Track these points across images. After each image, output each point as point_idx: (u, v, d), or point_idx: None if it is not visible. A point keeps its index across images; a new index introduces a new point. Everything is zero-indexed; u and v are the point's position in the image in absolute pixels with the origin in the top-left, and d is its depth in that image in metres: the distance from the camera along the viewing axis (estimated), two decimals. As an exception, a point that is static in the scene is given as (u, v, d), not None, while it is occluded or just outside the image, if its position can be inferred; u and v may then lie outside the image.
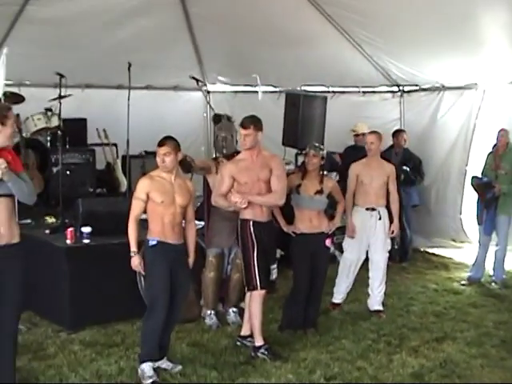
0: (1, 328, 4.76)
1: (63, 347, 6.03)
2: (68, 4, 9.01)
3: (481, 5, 7.77)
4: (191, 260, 5.65)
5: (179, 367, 5.59)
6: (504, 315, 7.25)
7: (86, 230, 6.66)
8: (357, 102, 11.26)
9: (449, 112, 10.37)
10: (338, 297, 7.46)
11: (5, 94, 8.53)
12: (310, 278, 6.53)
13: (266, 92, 11.40)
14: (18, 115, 9.01)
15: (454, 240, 10.53)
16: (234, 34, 10.14)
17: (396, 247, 10.03)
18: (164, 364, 5.58)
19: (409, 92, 10.95)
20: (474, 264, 8.73)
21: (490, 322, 6.98)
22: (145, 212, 5.49)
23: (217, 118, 7.39)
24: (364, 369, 5.66)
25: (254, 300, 5.93)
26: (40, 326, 6.59)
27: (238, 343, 6.19)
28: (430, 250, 10.45)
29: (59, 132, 9.30)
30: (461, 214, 10.34)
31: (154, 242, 5.40)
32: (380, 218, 7.17)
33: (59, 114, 9.38)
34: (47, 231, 7.17)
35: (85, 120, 10.88)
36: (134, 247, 5.41)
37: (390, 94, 11.15)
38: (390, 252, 9.58)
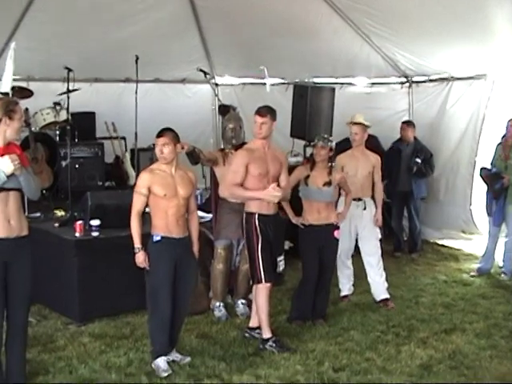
0: (11, 320, 4.81)
1: (73, 339, 6.07)
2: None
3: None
4: (196, 249, 5.64)
5: (188, 359, 5.61)
6: (513, 306, 7.25)
7: (95, 222, 6.68)
8: (365, 93, 11.22)
9: (458, 102, 10.29)
10: (345, 288, 7.48)
11: (13, 88, 8.55)
12: (319, 270, 6.54)
13: (274, 84, 11.43)
14: (26, 109, 9.08)
15: (463, 231, 10.47)
16: (241, 26, 10.14)
17: (405, 239, 10.06)
18: (173, 356, 5.59)
19: (417, 83, 10.87)
20: (483, 255, 8.71)
21: (499, 314, 6.96)
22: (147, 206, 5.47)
23: (224, 109, 7.38)
24: (372, 360, 5.67)
25: (260, 293, 5.93)
26: (50, 319, 6.63)
27: (247, 335, 6.20)
28: (440, 242, 10.41)
29: (68, 126, 9.35)
30: (470, 204, 10.29)
31: (158, 238, 5.38)
32: (365, 208, 7.22)
33: (68, 108, 9.43)
34: (56, 224, 7.18)
35: (93, 114, 10.92)
36: (137, 243, 5.36)
37: (398, 85, 11.07)
38: (398, 243, 9.78)
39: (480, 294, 7.75)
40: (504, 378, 5.37)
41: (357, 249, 7.49)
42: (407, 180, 9.58)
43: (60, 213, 7.93)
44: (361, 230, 7.32)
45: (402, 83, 11.03)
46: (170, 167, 5.45)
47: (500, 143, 8.50)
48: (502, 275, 8.43)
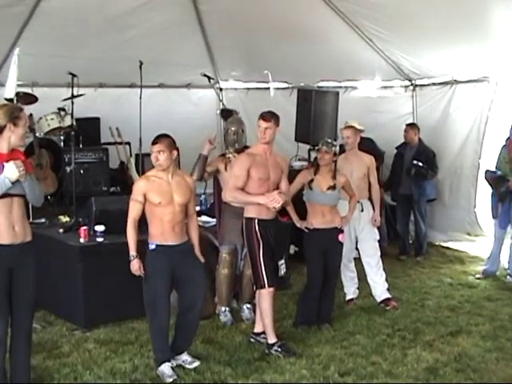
0: (16, 326, 4.81)
1: (78, 345, 6.06)
2: (79, 3, 9.05)
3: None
4: (197, 251, 5.64)
5: (197, 363, 5.60)
6: (519, 308, 7.22)
7: (100, 228, 6.67)
8: (369, 96, 11.22)
9: (461, 105, 10.31)
10: (350, 291, 7.48)
11: (18, 94, 8.58)
12: (324, 274, 6.53)
13: (278, 88, 11.44)
14: (31, 115, 9.08)
15: (468, 233, 10.47)
16: (244, 31, 10.13)
17: (410, 241, 10.05)
18: (183, 358, 5.59)
19: (421, 86, 10.89)
20: (488, 257, 8.70)
21: (505, 316, 6.95)
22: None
23: (227, 113, 7.39)
24: (378, 364, 5.66)
25: (263, 298, 5.93)
26: (55, 325, 6.62)
27: (252, 340, 6.19)
28: (445, 244, 10.42)
29: (72, 131, 9.36)
30: (475, 207, 10.30)
31: (153, 246, 5.38)
32: (362, 210, 7.25)
33: (72, 114, 9.45)
34: (61, 230, 7.19)
35: (98, 119, 10.95)
36: (133, 251, 5.35)
37: (402, 89, 11.10)
38: (404, 246, 9.78)
39: (486, 296, 7.75)
40: (510, 380, 5.35)
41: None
42: (409, 183, 9.59)
43: (64, 218, 7.92)
44: (359, 232, 7.35)
45: (406, 87, 11.04)
46: (167, 174, 5.45)
47: (504, 146, 8.49)
48: (508, 277, 8.42)
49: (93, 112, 10.82)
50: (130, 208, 5.40)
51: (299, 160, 9.71)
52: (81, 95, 9.54)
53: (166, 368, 5.38)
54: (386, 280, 7.43)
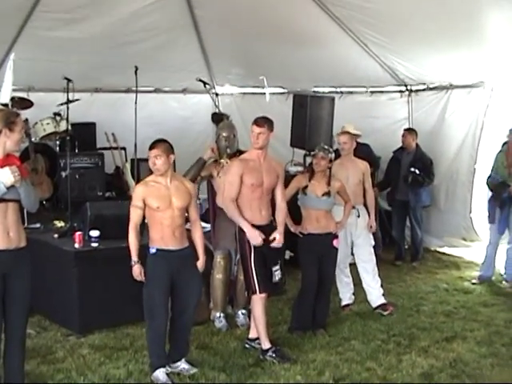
0: (10, 332, 4.79)
1: (72, 351, 6.03)
2: (75, 8, 9.05)
3: (487, 2, 7.73)
4: (201, 261, 5.61)
5: (195, 370, 5.57)
6: (514, 314, 7.22)
7: (95, 233, 6.66)
8: (364, 102, 11.22)
9: (457, 110, 10.31)
10: (345, 297, 7.47)
11: (13, 99, 8.57)
12: (318, 279, 6.52)
13: (274, 93, 11.44)
14: (26, 120, 9.08)
15: (464, 239, 10.48)
16: (240, 36, 10.14)
17: (406, 247, 10.05)
18: (181, 366, 5.58)
19: (416, 91, 10.90)
20: (483, 263, 8.71)
21: (500, 321, 6.95)
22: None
23: (218, 118, 7.37)
24: (373, 369, 5.64)
25: (256, 304, 5.92)
26: (49, 330, 6.59)
27: (247, 346, 6.18)
28: (441, 249, 10.42)
29: (68, 136, 9.35)
30: (471, 212, 10.31)
31: (154, 251, 5.37)
32: (358, 216, 7.25)
33: (67, 119, 9.44)
34: (56, 235, 7.17)
35: (93, 124, 10.94)
36: (134, 256, 5.36)
37: (397, 94, 11.10)
38: (400, 252, 9.78)
39: (481, 301, 7.75)
40: (505, 385, 5.36)
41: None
42: (406, 189, 9.59)
43: (60, 223, 7.90)
44: (355, 237, 7.35)
45: (401, 92, 11.04)
46: (165, 178, 5.45)
47: (500, 151, 8.50)
48: (504, 282, 8.44)
49: (88, 117, 10.82)
50: (130, 214, 5.41)
51: (295, 165, 9.70)
52: (76, 100, 9.54)
53: (160, 374, 5.36)
54: (382, 286, 7.43)
